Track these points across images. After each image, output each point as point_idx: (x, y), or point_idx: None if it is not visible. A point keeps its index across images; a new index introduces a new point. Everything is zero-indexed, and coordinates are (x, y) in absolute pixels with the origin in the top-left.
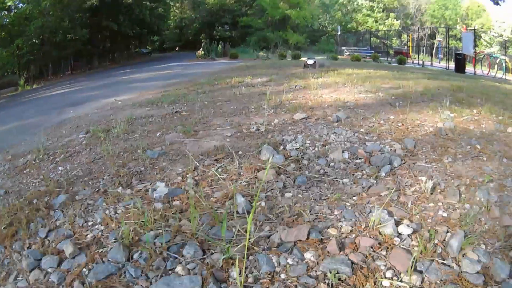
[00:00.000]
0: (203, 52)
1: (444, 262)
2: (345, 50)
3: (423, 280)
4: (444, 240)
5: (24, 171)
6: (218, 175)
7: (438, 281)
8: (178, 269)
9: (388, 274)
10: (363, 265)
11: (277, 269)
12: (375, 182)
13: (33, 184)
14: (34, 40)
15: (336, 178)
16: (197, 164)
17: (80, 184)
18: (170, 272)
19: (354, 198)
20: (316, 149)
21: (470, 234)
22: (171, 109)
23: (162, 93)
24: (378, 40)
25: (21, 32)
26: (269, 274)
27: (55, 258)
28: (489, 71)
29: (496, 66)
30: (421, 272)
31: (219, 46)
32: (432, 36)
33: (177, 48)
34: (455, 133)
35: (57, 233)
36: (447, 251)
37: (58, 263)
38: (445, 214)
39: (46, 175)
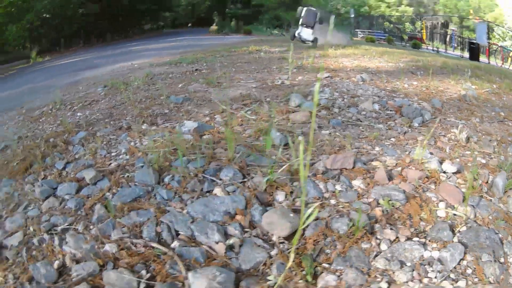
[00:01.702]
0: (216, 27)
1: (492, 199)
2: (359, 32)
3: (475, 214)
4: (487, 181)
5: (40, 120)
6: (248, 117)
7: (490, 217)
8: (216, 190)
9: (441, 205)
10: (416, 195)
11: (325, 195)
12: (409, 130)
13: (50, 128)
14: (45, 15)
15: (370, 124)
16: (224, 107)
17: (101, 124)
18: (207, 194)
19: (392, 139)
20: (345, 100)
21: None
22: (191, 67)
23: (179, 56)
24: (392, 25)
25: (30, 7)
26: (317, 199)
27: (73, 185)
28: (502, 63)
29: (509, 59)
30: (473, 206)
31: (232, 22)
32: (445, 24)
33: (189, 25)
34: (479, 101)
35: (76, 164)
36: (492, 191)
37: (76, 190)
38: (483, 161)
39: (64, 120)
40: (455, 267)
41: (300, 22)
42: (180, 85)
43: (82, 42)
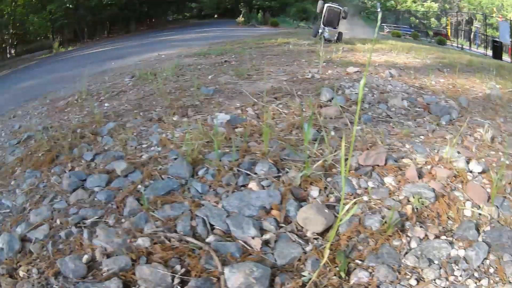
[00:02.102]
0: (243, 18)
1: None
2: (385, 27)
3: (499, 214)
4: (511, 183)
5: (65, 110)
6: (281, 110)
7: None
8: (252, 185)
9: (468, 204)
10: (444, 194)
11: (358, 191)
12: (437, 128)
13: (76, 119)
14: (68, 5)
15: (399, 120)
16: (256, 100)
17: (130, 115)
18: (242, 188)
19: (421, 137)
20: (375, 95)
21: None
22: (220, 59)
23: (207, 48)
24: (417, 21)
25: None
26: (350, 195)
27: (103, 177)
28: None
29: None
30: (497, 207)
31: (259, 14)
32: (469, 21)
33: (215, 16)
34: (503, 101)
35: (105, 156)
36: None
37: (106, 182)
38: (507, 162)
39: (91, 111)
40: (478, 266)
41: (322, 22)
42: (210, 77)
43: (106, 33)
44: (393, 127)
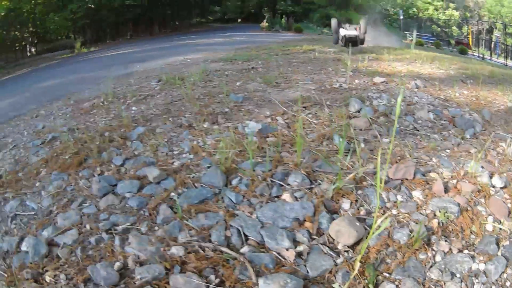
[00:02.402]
0: (267, 23)
1: None
2: (407, 35)
3: None
4: None
5: (91, 112)
6: (310, 120)
7: None
8: (285, 196)
9: (490, 219)
10: (468, 208)
11: (387, 205)
12: (462, 141)
13: (103, 122)
14: (89, 5)
15: (426, 133)
16: (285, 109)
17: (159, 120)
18: (275, 199)
19: (447, 150)
20: (402, 107)
21: None
22: (246, 65)
23: (233, 53)
24: (439, 29)
25: None
26: (380, 209)
27: (134, 183)
28: None
29: None
30: None
31: (283, 19)
32: (490, 30)
33: (239, 20)
34: None
35: (136, 161)
36: None
37: (138, 188)
38: None
39: (118, 114)
40: (496, 280)
41: (340, 37)
42: (238, 83)
43: (129, 34)
44: (420, 140)
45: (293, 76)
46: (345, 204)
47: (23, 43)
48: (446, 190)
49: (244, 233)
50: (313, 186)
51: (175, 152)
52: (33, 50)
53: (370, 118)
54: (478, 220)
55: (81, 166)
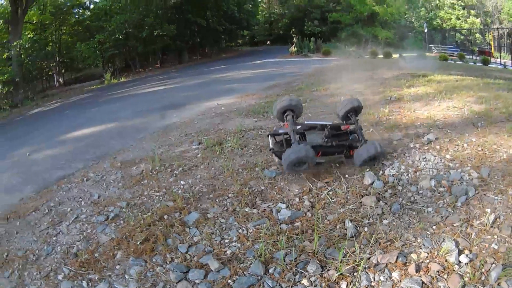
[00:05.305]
0: (296, 48)
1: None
2: (433, 48)
3: None
4: (488, 270)
5: (142, 182)
6: (330, 199)
7: None
8: (304, 281)
9: None
10: (430, 286)
11: (372, 283)
12: (452, 211)
13: (157, 197)
14: (117, 35)
15: (423, 206)
16: (311, 186)
17: (207, 201)
18: (298, 283)
19: (434, 227)
20: (409, 175)
21: (509, 266)
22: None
23: (265, 99)
24: (463, 37)
25: (100, 28)
26: (366, 287)
27: (201, 272)
28: None
29: None
30: None
31: (311, 42)
32: (510, 34)
33: (268, 42)
34: None
35: (197, 249)
36: (487, 279)
37: (204, 276)
38: (496, 247)
39: (169, 188)
40: None
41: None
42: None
43: (159, 62)
44: (414, 218)
45: None
46: (343, 285)
47: (49, 73)
48: (418, 270)
49: None
50: (323, 272)
51: (226, 241)
52: (60, 79)
53: (379, 193)
54: None
55: (153, 252)
